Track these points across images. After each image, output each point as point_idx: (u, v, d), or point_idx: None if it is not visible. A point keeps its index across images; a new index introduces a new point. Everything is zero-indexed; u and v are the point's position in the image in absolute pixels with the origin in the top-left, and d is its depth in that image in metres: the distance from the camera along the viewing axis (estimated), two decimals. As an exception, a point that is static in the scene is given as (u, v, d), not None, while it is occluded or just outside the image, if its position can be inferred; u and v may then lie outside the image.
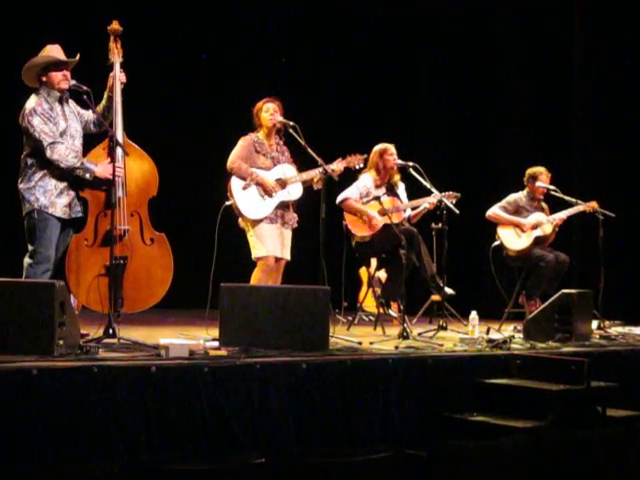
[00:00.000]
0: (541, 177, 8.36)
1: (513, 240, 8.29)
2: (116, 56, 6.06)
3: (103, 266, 5.77)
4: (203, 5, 9.97)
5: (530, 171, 8.44)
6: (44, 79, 5.84)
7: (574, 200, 8.33)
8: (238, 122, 7.11)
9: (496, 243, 8.36)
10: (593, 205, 8.29)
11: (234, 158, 6.76)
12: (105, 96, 6.06)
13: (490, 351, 6.24)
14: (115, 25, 6.12)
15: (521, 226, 8.28)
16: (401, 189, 7.83)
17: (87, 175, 5.80)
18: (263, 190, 6.74)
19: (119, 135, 5.91)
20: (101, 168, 5.82)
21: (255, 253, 6.74)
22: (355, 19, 10.72)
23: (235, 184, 6.74)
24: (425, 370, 5.70)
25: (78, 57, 5.90)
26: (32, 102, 5.80)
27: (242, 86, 9.80)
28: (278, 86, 8.56)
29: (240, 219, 6.81)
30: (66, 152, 5.77)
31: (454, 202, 7.48)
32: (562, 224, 8.37)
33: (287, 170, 6.82)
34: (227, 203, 6.73)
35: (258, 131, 6.91)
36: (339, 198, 7.70)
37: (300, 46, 10.54)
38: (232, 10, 10.20)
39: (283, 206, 6.80)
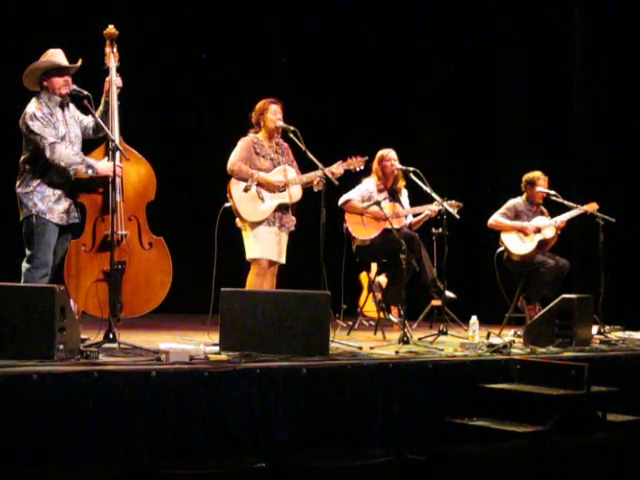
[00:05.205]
0: (539, 182, 8.35)
1: (517, 245, 8.27)
2: (112, 60, 6.05)
3: (102, 271, 5.76)
4: (203, 5, 9.97)
5: (527, 177, 8.43)
6: (45, 83, 5.82)
7: (574, 205, 8.32)
8: (238, 123, 7.08)
9: (500, 249, 8.35)
10: (593, 207, 8.28)
11: (234, 160, 6.70)
12: (102, 101, 6.04)
13: (490, 356, 6.23)
14: (111, 29, 6.11)
15: (524, 230, 8.25)
16: (404, 196, 7.82)
17: (90, 171, 5.78)
18: (267, 188, 6.70)
19: (115, 139, 5.89)
20: (103, 165, 5.81)
21: (249, 254, 6.70)
22: (356, 20, 10.72)
23: (235, 186, 6.68)
24: (425, 375, 5.69)
25: (80, 63, 5.88)
26: (32, 106, 5.78)
27: (242, 86, 9.80)
28: (278, 86, 8.55)
29: (237, 219, 6.76)
30: (66, 151, 5.75)
31: (456, 211, 7.47)
32: (564, 227, 8.35)
33: (288, 172, 6.78)
34: (226, 205, 6.69)
35: (257, 131, 6.83)
36: (341, 200, 7.69)
37: (300, 46, 10.53)
38: (232, 10, 10.20)
39: (282, 208, 6.75)
